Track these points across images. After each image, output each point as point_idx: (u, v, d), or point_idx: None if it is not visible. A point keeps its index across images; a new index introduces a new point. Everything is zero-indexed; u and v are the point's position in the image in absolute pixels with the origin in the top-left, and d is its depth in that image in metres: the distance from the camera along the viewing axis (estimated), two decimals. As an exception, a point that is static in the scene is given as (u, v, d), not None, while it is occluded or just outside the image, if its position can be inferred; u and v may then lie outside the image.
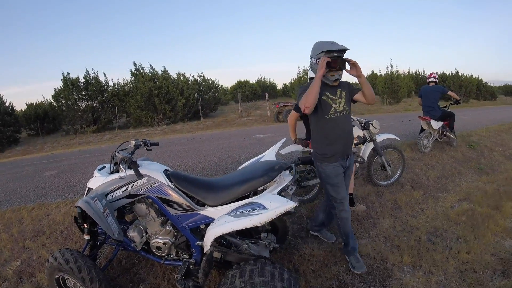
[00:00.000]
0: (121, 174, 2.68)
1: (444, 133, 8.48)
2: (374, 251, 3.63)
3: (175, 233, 2.81)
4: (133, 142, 2.94)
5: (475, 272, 3.35)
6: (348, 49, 2.95)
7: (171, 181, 2.69)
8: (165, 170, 2.81)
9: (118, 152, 2.73)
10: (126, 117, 20.83)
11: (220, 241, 2.73)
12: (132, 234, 2.83)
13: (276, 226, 3.32)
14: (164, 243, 2.79)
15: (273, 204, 2.30)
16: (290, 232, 3.37)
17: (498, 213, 4.80)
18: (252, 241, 2.87)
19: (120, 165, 2.67)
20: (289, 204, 2.26)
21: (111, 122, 20.06)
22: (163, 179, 2.68)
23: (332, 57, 2.86)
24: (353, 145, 3.15)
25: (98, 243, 3.01)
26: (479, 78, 35.63)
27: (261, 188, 2.63)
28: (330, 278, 3.19)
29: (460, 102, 8.58)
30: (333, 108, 3.10)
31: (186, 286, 2.49)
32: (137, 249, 2.88)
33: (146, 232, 2.88)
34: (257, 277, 2.13)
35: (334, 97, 3.11)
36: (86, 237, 2.81)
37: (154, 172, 2.72)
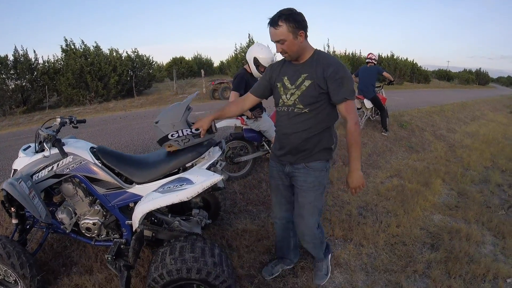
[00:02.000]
0: (45, 153, 2.54)
1: (378, 112, 8.78)
2: (306, 225, 3.71)
3: (104, 213, 2.72)
4: (58, 120, 2.79)
5: (405, 245, 3.53)
6: None
7: (98, 159, 2.59)
8: (91, 148, 2.70)
9: (42, 130, 2.58)
10: (57, 96, 19.75)
11: (150, 219, 2.68)
12: (61, 216, 2.70)
13: (208, 202, 3.32)
14: (94, 224, 2.69)
15: (199, 178, 2.28)
16: (223, 208, 3.39)
17: (427, 189, 5.10)
18: (184, 218, 2.85)
19: (44, 144, 2.53)
20: (215, 177, 2.26)
21: (41, 102, 18.92)
22: (89, 157, 2.57)
23: None
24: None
25: (27, 227, 2.86)
26: (414, 62, 37.21)
27: (190, 164, 2.59)
28: (263, 253, 3.25)
29: (394, 83, 8.88)
30: (281, 100, 2.42)
31: (117, 266, 2.44)
32: (67, 231, 2.76)
33: (75, 213, 2.76)
34: (187, 254, 2.14)
35: (289, 85, 2.35)
36: (14, 221, 2.68)
37: (79, 150, 2.59)
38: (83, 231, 2.74)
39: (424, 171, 6.06)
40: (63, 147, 2.51)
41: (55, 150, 2.48)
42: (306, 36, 2.26)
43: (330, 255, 3.07)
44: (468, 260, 3.33)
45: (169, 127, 2.44)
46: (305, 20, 2.22)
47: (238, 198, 4.37)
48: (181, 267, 2.07)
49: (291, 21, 2.13)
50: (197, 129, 2.49)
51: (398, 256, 3.34)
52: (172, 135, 2.43)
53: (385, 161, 6.47)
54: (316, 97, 2.28)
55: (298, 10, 2.20)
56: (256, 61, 4.25)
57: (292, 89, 2.33)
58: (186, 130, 2.45)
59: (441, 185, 5.45)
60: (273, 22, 2.16)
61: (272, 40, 2.25)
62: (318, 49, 2.38)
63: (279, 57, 2.53)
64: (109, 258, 2.45)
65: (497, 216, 4.44)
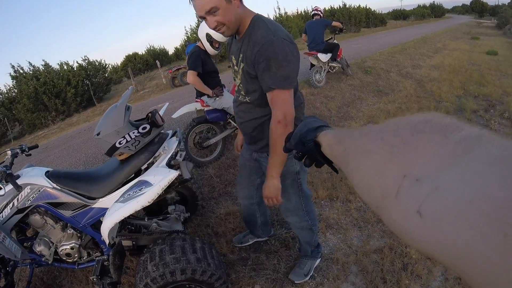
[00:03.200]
0: (0, 192, 2.39)
1: (328, 62, 8.45)
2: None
3: (79, 235, 2.60)
4: (9, 152, 2.65)
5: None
6: None
7: (54, 182, 2.45)
8: (47, 172, 2.56)
9: None
10: (19, 125, 19.16)
11: (127, 227, 2.59)
12: (39, 248, 2.58)
13: (184, 195, 3.22)
14: (72, 248, 2.58)
15: (157, 178, 2.18)
16: (201, 197, 3.29)
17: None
18: (161, 217, 2.76)
19: None
20: (171, 174, 2.15)
21: (5, 135, 18.31)
22: (45, 183, 2.44)
23: None
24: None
25: (10, 268, 2.73)
26: (367, 7, 37.25)
27: (145, 166, 2.48)
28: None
29: (344, 30, 8.62)
30: (236, 80, 2.05)
31: (104, 285, 2.34)
32: (50, 262, 2.64)
33: (52, 242, 2.64)
34: (167, 256, 2.05)
35: (236, 67, 1.97)
36: None
37: (34, 178, 2.46)
38: (64, 258, 2.64)
39: (397, 112, 6.05)
40: (18, 179, 2.39)
41: (10, 186, 2.34)
42: None
43: (318, 260, 2.67)
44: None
45: (114, 135, 2.31)
46: None
47: (215, 182, 4.27)
48: (164, 272, 1.98)
49: None
50: (144, 127, 2.35)
51: (388, 203, 3.30)
52: (119, 143, 2.31)
53: (356, 110, 6.44)
54: (252, 84, 1.85)
55: None
56: (208, 37, 4.11)
57: (237, 72, 1.93)
58: (133, 132, 2.33)
59: (417, 122, 5.44)
60: None
61: (200, 16, 1.70)
62: (258, 14, 1.85)
63: None
64: (94, 279, 2.36)
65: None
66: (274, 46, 1.68)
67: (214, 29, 1.73)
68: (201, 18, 1.72)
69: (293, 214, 2.36)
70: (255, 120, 2.00)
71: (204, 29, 4.10)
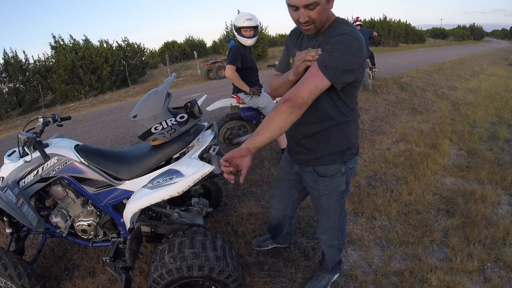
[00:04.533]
0: (27, 158, 2.38)
1: (371, 68, 9.14)
2: (314, 202, 3.57)
3: (98, 213, 2.58)
4: (41, 120, 2.66)
5: (419, 213, 3.38)
6: None
7: (82, 157, 2.43)
8: (76, 146, 2.53)
9: (21, 134, 2.41)
10: (51, 94, 19.52)
11: (148, 213, 2.53)
12: (55, 219, 2.57)
13: (208, 189, 3.17)
14: (89, 225, 2.56)
15: (190, 170, 2.11)
16: (225, 193, 3.24)
17: (436, 151, 4.94)
18: (183, 208, 2.71)
19: (25, 148, 2.37)
20: (206, 168, 2.07)
21: (37, 102, 18.69)
22: (74, 156, 2.41)
23: None
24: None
25: (23, 234, 2.72)
26: (407, 23, 36.91)
27: (177, 155, 2.43)
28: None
29: (382, 43, 9.49)
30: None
31: (116, 268, 2.28)
32: (64, 235, 2.63)
33: (70, 216, 2.62)
34: (186, 250, 1.98)
35: None
36: (8, 230, 2.54)
37: (63, 149, 2.43)
38: (79, 234, 2.62)
39: (430, 132, 5.88)
40: (46, 148, 2.38)
41: (37, 153, 2.33)
42: None
43: (337, 275, 2.58)
44: (486, 223, 3.18)
45: (151, 120, 2.27)
46: None
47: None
48: (181, 266, 1.92)
49: None
50: (182, 117, 2.31)
51: (413, 226, 3.18)
52: (155, 128, 2.27)
53: (389, 125, 6.29)
54: None
55: None
56: (236, 27, 4.17)
57: None
58: (170, 120, 2.29)
59: (449, 145, 5.28)
60: None
61: (295, 4, 1.56)
62: (338, 17, 1.74)
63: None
64: (107, 260, 2.28)
65: (510, 174, 4.26)
66: (343, 37, 1.56)
67: (303, 23, 1.59)
68: (293, 7, 1.59)
69: (327, 232, 2.28)
70: (310, 125, 1.82)
71: (234, 24, 4.20)
